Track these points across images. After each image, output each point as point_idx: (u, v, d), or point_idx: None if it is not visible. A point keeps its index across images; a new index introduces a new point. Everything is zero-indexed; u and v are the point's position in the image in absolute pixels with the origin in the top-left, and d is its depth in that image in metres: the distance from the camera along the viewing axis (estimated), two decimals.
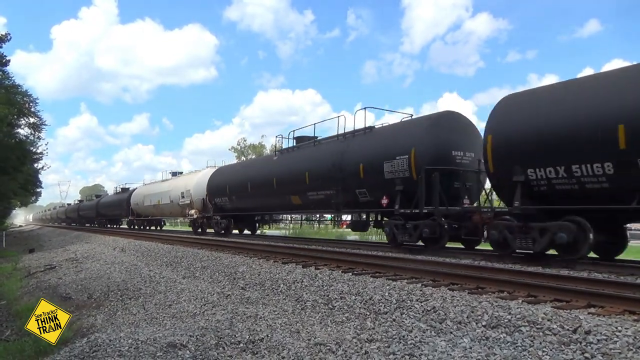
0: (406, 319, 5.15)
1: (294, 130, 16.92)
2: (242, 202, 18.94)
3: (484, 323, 4.65)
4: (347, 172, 12.59)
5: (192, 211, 23.09)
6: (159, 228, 33.03)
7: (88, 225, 47.38)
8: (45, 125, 28.50)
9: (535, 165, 7.94)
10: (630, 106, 6.77)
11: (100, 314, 7.64)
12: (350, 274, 7.56)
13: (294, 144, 16.76)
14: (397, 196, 11.10)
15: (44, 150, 31.30)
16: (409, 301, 5.58)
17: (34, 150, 29.91)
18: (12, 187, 28.75)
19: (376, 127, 13.04)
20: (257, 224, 21.76)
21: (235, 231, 22.27)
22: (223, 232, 20.44)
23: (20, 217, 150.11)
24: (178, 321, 6.35)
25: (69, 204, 71.00)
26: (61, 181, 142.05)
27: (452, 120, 11.05)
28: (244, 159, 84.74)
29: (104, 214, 41.05)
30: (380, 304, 5.71)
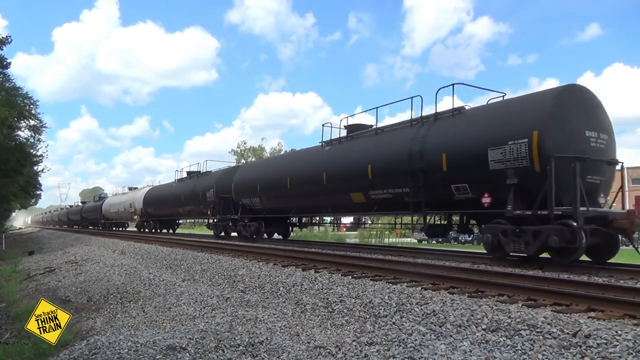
0: (406, 322, 5.15)
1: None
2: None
3: (483, 326, 4.65)
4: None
5: (136, 216, 34.16)
6: (170, 230, 33.53)
7: (77, 227, 54.04)
8: (45, 127, 28.49)
9: None
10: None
11: (99, 316, 7.64)
12: (350, 277, 7.56)
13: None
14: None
15: (44, 152, 31.19)
16: (408, 304, 5.58)
17: (34, 152, 29.91)
18: (12, 189, 28.80)
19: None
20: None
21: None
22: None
23: (20, 220, 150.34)
24: (177, 324, 6.35)
25: (70, 206, 71.43)
26: (61, 183, 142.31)
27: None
28: (244, 161, 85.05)
29: (86, 217, 52.11)
30: (380, 307, 5.71)
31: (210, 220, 24.13)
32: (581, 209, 7.61)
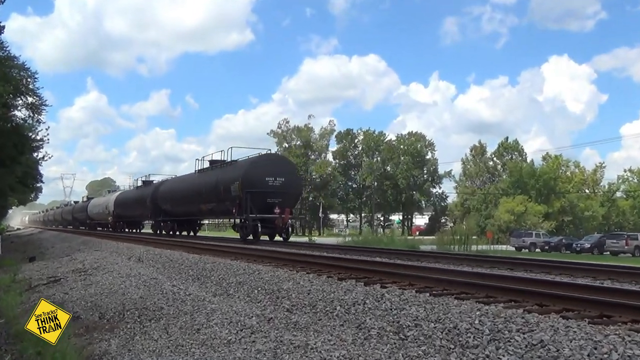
0: (504, 356, 5.07)
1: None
2: None
3: None
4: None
5: (110, 217, 47.14)
6: (191, 233, 34.69)
7: (83, 228, 59.65)
8: (46, 106, 29.87)
9: None
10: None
11: (114, 338, 8.02)
12: (427, 294, 7.51)
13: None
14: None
15: (45, 136, 32.59)
16: (506, 332, 5.49)
17: (33, 136, 31.47)
18: (8, 181, 30.54)
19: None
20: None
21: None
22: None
23: (17, 219, 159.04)
24: (209, 350, 6.56)
25: (75, 202, 75.53)
26: (65, 174, 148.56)
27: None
28: (286, 145, 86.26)
29: (77, 217, 63.61)
30: (468, 335, 5.64)
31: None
32: None
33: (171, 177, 38.37)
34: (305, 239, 44.04)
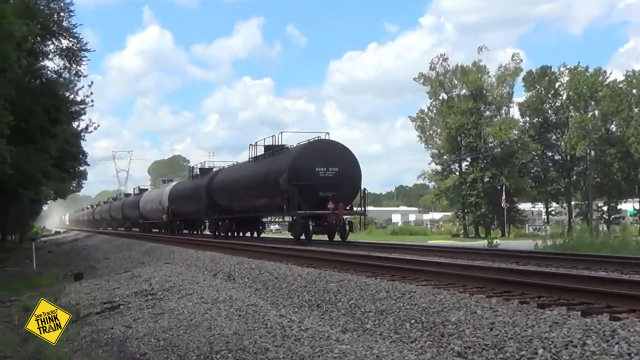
0: None
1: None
2: None
3: None
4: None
5: (164, 216, 51.90)
6: (255, 235, 39.37)
7: (137, 230, 64.84)
8: (87, 51, 31.13)
9: None
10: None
11: None
12: None
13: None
14: None
15: (87, 96, 32.83)
16: None
17: (71, 97, 32.48)
18: (40, 164, 32.05)
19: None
20: None
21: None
22: None
23: (55, 218, 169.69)
24: None
25: (127, 195, 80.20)
26: (118, 151, 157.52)
27: None
28: (444, 96, 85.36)
29: (128, 216, 69.51)
30: None
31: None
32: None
33: (234, 164, 42.47)
34: (482, 243, 43.74)
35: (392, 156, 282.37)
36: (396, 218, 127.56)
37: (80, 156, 45.53)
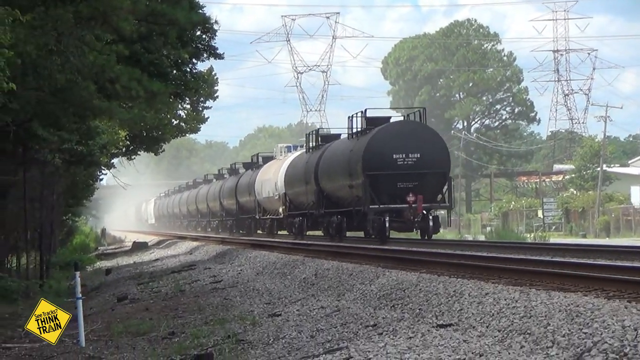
0: None
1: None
2: None
3: None
4: None
5: (281, 207, 36.89)
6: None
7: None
8: None
9: None
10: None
11: None
12: None
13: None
14: None
15: None
16: None
17: None
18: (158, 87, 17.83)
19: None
20: None
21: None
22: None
23: (129, 209, 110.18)
24: None
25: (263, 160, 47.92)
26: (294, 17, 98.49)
27: None
28: None
29: (242, 205, 48.14)
30: None
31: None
32: None
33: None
34: None
35: None
36: None
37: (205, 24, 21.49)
